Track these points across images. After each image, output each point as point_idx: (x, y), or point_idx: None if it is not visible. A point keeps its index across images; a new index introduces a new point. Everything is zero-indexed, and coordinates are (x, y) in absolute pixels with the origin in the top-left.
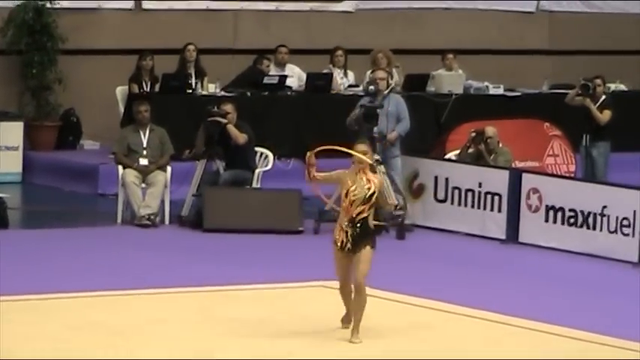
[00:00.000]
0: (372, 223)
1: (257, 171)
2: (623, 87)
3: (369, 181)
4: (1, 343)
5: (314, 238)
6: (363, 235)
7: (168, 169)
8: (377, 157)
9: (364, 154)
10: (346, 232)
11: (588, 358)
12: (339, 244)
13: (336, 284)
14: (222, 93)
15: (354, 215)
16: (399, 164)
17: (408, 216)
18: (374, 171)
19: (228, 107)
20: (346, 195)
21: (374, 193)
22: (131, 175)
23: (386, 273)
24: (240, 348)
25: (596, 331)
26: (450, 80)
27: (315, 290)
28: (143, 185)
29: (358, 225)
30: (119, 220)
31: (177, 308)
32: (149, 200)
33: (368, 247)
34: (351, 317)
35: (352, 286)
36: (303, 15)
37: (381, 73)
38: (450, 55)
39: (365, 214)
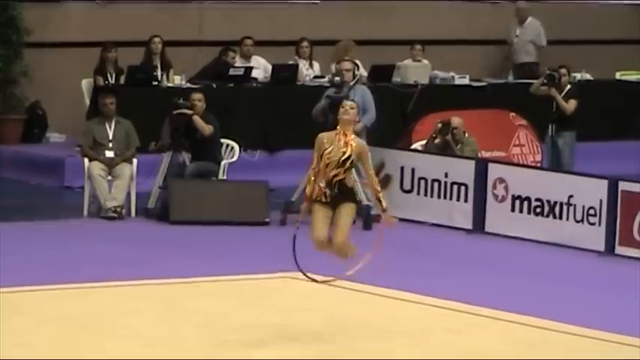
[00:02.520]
0: (350, 182)
1: (223, 163)
2: (588, 76)
3: (346, 144)
4: None
5: (280, 229)
6: (341, 194)
7: (134, 161)
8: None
9: (352, 108)
10: (324, 193)
11: (550, 345)
12: (318, 198)
13: (314, 275)
14: (188, 85)
15: (330, 177)
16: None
17: (374, 206)
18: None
19: (198, 96)
20: (321, 157)
21: (349, 157)
22: (97, 168)
23: (352, 264)
24: (207, 340)
25: (559, 319)
26: (416, 71)
27: (282, 281)
28: (109, 178)
29: (335, 186)
30: (85, 212)
31: (143, 301)
32: (115, 193)
33: (349, 202)
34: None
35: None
36: (268, 6)
37: (347, 64)
38: (418, 46)
39: (340, 177)
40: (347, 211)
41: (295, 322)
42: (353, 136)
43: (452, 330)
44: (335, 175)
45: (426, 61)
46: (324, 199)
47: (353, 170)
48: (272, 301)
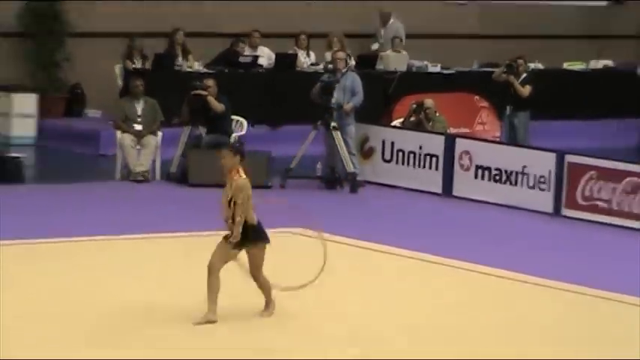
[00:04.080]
0: (250, 219)
1: (233, 135)
2: (540, 66)
3: (230, 186)
4: (11, 278)
5: (281, 191)
6: (244, 233)
7: (159, 133)
8: (334, 124)
9: (224, 157)
10: (230, 233)
11: (504, 293)
12: (229, 240)
13: (303, 231)
14: (204, 70)
15: (226, 216)
16: (353, 131)
17: (360, 173)
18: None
19: (210, 82)
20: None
21: (231, 198)
22: (127, 139)
23: (340, 221)
24: (222, 287)
25: (513, 269)
26: (396, 60)
27: (285, 237)
28: (137, 147)
29: (233, 225)
30: (117, 176)
31: (164, 251)
32: (142, 160)
33: (256, 246)
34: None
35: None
36: (271, 3)
37: (340, 54)
38: (397, 40)
39: (235, 216)
40: (258, 260)
41: (302, 272)
42: (236, 177)
43: (426, 278)
44: (232, 215)
45: (404, 52)
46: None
47: (336, 140)
48: (278, 254)
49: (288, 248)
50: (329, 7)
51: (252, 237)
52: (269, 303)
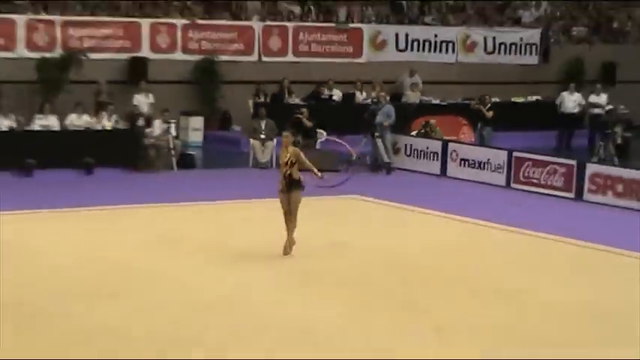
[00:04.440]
0: (296, 175)
1: (317, 141)
2: (498, 99)
3: (287, 152)
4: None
5: (345, 174)
6: (291, 183)
7: (274, 140)
8: (377, 134)
9: (285, 137)
10: (282, 182)
11: (483, 234)
12: (280, 188)
13: (364, 198)
14: (301, 102)
15: (283, 172)
16: (389, 137)
17: (393, 163)
18: (295, 145)
19: (304, 110)
20: (278, 162)
21: (290, 158)
22: (256, 143)
23: (381, 191)
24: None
25: (486, 219)
26: (413, 96)
27: (352, 200)
28: (262, 148)
29: (287, 177)
30: (250, 165)
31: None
32: (265, 155)
33: (296, 191)
34: (288, 240)
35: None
36: (340, 63)
37: (382, 93)
38: (415, 84)
39: (289, 171)
40: (296, 199)
41: (365, 223)
42: (291, 148)
43: (428, 223)
44: (286, 171)
45: (419, 92)
46: (282, 189)
47: (378, 144)
48: (346, 213)
49: (347, 207)
50: (373, 65)
51: (295, 185)
52: (290, 239)
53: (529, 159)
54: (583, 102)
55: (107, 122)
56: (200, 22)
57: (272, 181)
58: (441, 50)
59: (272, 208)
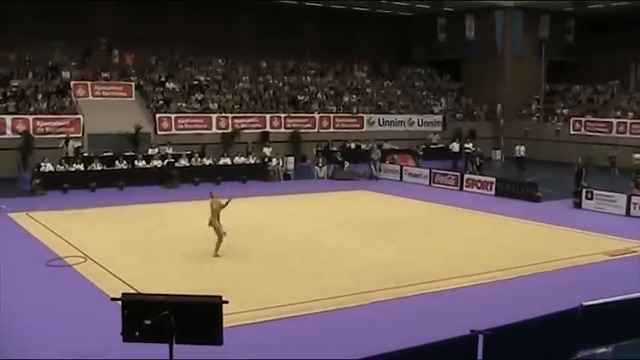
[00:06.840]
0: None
1: (345, 166)
2: (424, 145)
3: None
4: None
5: (355, 180)
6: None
7: (326, 167)
8: (371, 162)
9: (212, 197)
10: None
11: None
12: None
13: (366, 191)
14: (336, 149)
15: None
16: (377, 164)
17: (378, 176)
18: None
19: (339, 152)
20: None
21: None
22: (317, 168)
23: (374, 188)
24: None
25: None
26: (386, 146)
27: (360, 191)
28: (320, 171)
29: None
30: (315, 177)
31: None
32: (321, 173)
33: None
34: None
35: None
36: (353, 132)
37: (373, 144)
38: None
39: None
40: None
41: (369, 211)
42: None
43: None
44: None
45: (389, 143)
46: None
47: (372, 166)
48: (353, 202)
49: (358, 195)
50: (369, 132)
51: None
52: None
53: (439, 172)
54: (460, 147)
55: (252, 160)
56: (292, 114)
57: (323, 185)
58: (398, 125)
59: (323, 197)
